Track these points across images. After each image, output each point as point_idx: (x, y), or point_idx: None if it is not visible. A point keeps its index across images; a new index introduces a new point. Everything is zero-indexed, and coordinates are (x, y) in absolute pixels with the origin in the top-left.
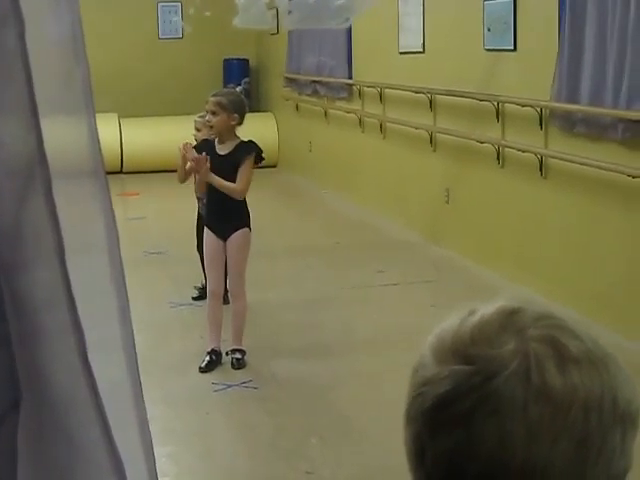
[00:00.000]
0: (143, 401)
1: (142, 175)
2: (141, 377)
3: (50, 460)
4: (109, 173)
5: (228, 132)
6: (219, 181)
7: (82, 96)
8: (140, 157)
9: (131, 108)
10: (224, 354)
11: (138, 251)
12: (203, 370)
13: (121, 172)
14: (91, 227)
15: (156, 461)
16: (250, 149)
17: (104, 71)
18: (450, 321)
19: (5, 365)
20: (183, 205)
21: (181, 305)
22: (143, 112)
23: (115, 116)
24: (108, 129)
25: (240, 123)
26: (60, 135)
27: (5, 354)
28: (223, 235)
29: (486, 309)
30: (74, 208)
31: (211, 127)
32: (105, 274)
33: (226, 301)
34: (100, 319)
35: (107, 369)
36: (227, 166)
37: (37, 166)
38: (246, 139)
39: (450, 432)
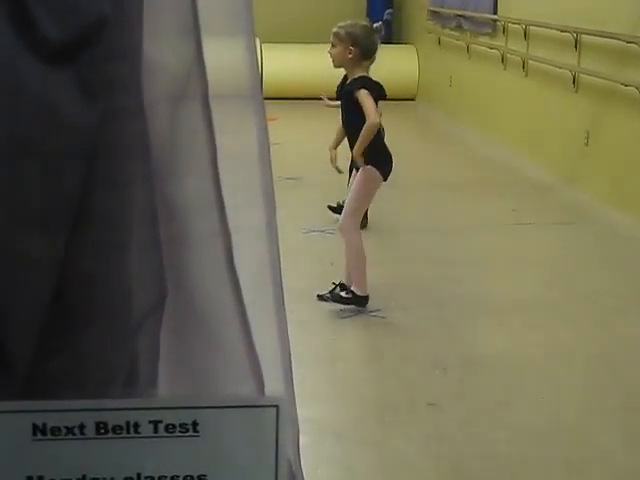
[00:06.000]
0: (284, 307)
1: (281, 101)
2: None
3: (190, 357)
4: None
5: (348, 65)
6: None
7: (243, 18)
8: (280, 83)
9: (274, 34)
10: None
11: (273, 176)
12: (319, 296)
13: None
14: (245, 141)
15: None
16: (359, 83)
17: None
18: None
19: (154, 266)
20: (319, 132)
21: (313, 231)
22: (285, 39)
23: (257, 41)
24: None
25: (364, 57)
26: (218, 56)
27: (155, 256)
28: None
29: None
30: (229, 124)
31: (333, 60)
32: (255, 186)
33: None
34: (247, 228)
35: (251, 277)
36: (343, 100)
37: (195, 74)
38: (369, 76)
39: None
